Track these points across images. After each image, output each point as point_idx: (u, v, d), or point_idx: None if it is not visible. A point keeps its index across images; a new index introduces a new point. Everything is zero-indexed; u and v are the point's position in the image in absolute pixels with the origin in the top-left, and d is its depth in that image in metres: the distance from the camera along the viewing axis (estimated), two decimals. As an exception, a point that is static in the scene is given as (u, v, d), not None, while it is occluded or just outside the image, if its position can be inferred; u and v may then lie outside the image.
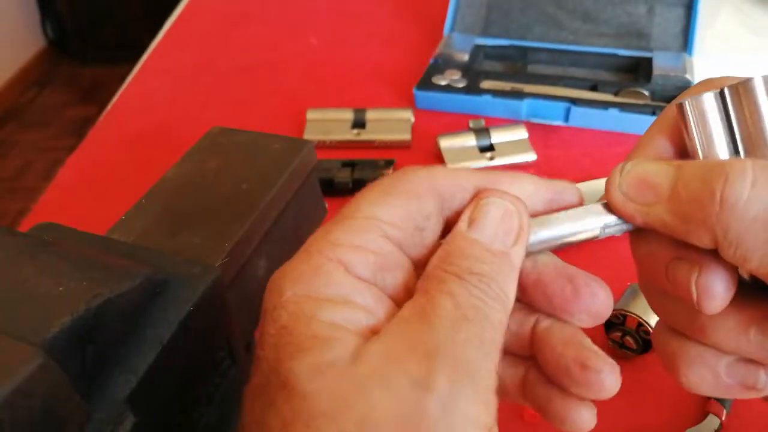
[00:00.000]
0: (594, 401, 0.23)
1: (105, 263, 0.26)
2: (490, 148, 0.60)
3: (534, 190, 0.24)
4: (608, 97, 0.65)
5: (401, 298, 0.23)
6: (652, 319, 0.39)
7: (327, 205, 0.46)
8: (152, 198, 0.38)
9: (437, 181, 0.24)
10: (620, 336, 0.41)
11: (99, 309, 0.23)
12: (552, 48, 0.72)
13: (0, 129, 2.41)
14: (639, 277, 0.25)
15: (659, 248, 0.23)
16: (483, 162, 0.59)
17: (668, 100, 0.62)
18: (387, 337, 0.20)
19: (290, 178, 0.40)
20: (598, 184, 0.54)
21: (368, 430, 0.18)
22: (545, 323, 0.24)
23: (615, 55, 0.70)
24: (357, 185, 0.57)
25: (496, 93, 0.65)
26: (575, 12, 0.73)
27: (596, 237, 0.23)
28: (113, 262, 0.27)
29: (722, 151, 0.22)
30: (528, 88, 0.66)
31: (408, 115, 0.65)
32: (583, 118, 0.63)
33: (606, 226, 0.23)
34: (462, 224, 0.23)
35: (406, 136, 0.63)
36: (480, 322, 0.21)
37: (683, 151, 0.23)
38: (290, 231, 0.41)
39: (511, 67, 0.73)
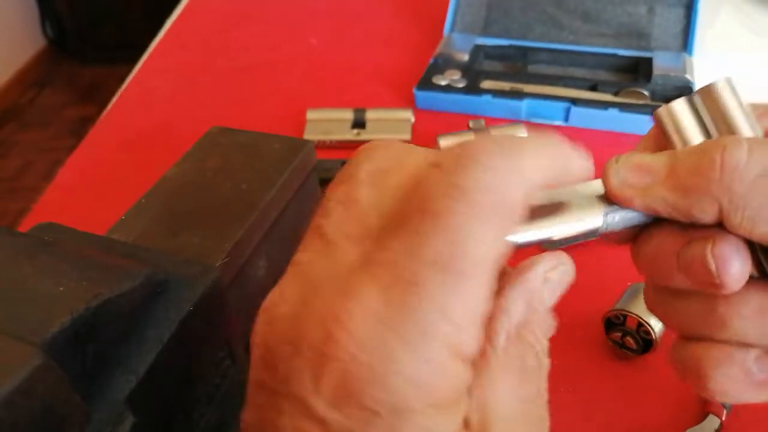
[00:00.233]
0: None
1: (105, 263, 0.26)
2: (490, 148, 0.60)
3: (549, 165, 0.22)
4: (608, 97, 0.65)
5: None
6: (653, 319, 0.39)
7: (327, 205, 0.46)
8: (152, 198, 0.38)
9: None
10: (620, 336, 0.41)
11: (99, 309, 0.23)
12: (552, 48, 0.72)
13: (0, 129, 2.41)
14: (646, 289, 0.25)
15: (667, 239, 0.23)
16: (483, 162, 0.59)
17: (668, 100, 0.62)
18: None
19: (290, 178, 0.40)
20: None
21: None
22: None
23: (615, 55, 0.70)
24: (357, 185, 0.57)
25: (496, 93, 0.65)
26: (575, 12, 0.73)
27: (597, 231, 0.23)
28: (113, 262, 0.27)
29: None
30: (528, 88, 0.66)
31: (408, 115, 0.65)
32: (583, 118, 0.63)
33: (606, 213, 0.23)
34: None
35: (406, 136, 0.63)
36: None
37: None
38: (290, 231, 0.41)
39: (511, 67, 0.73)
